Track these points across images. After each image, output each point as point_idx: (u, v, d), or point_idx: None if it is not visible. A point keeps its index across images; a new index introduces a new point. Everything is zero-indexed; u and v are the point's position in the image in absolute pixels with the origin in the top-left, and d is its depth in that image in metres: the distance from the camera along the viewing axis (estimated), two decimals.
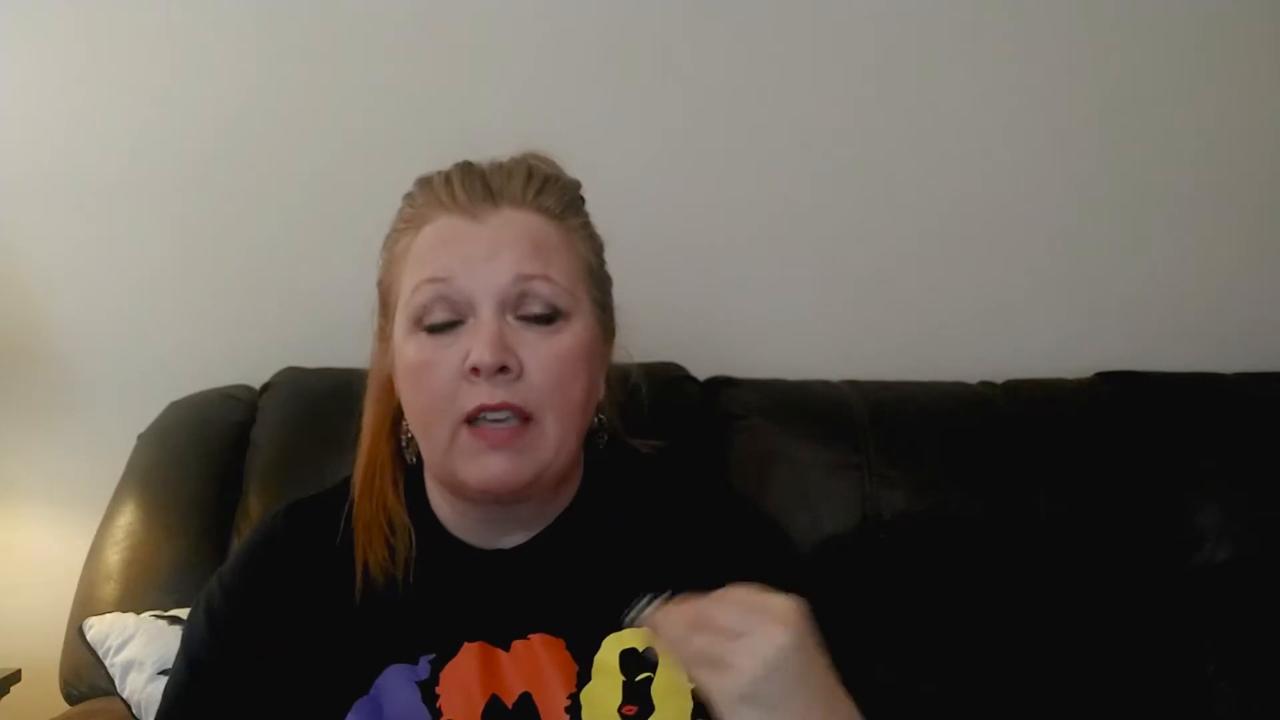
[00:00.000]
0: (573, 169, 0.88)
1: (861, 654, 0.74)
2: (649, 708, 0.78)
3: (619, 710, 0.78)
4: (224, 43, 1.68)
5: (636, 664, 0.79)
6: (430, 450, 0.81)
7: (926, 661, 1.38)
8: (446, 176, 0.83)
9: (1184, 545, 1.44)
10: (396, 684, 0.79)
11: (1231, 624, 1.42)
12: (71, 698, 1.35)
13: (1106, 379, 1.58)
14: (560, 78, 1.69)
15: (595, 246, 0.86)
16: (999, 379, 1.57)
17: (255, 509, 1.40)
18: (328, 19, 1.68)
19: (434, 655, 0.80)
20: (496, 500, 0.80)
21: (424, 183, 0.85)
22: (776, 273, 1.72)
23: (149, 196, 1.68)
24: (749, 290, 1.71)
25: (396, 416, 0.87)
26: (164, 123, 1.68)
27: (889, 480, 1.42)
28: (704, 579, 0.81)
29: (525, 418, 0.77)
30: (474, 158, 0.86)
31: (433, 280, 0.78)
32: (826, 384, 1.54)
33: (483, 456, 0.77)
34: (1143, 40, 1.74)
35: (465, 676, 0.79)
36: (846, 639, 0.80)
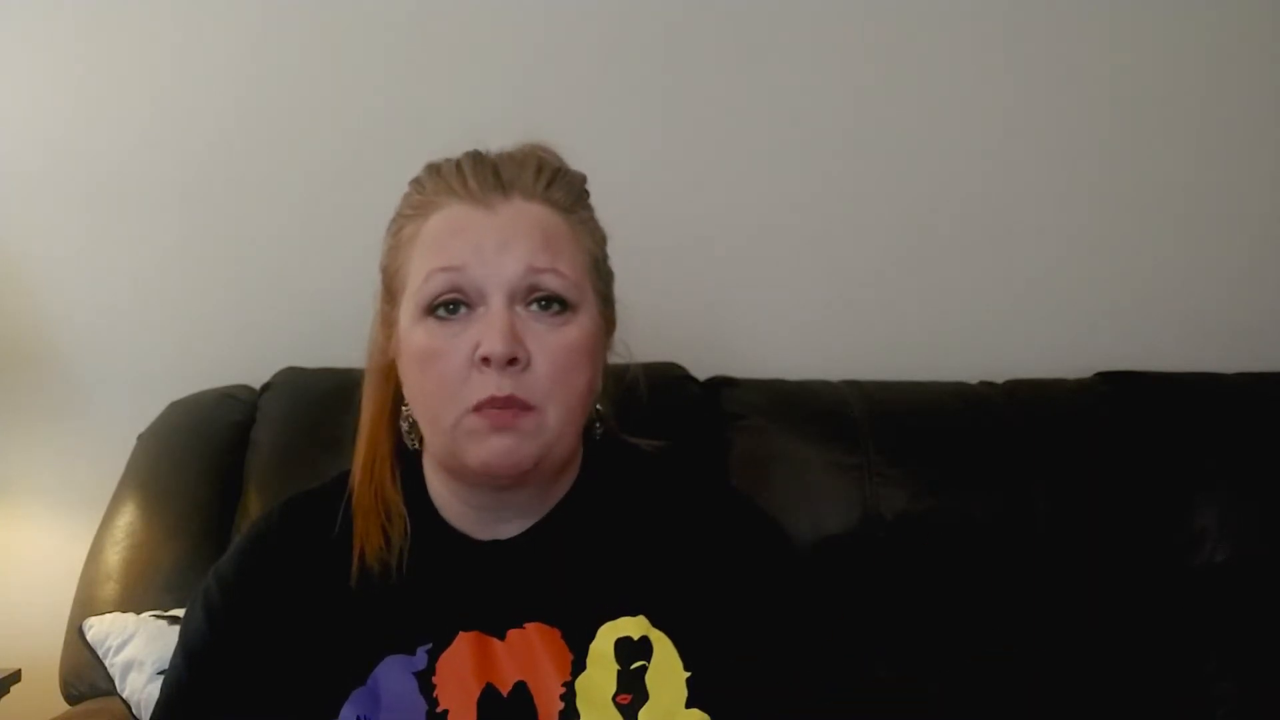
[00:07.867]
0: (573, 168, 0.88)
1: (862, 653, 0.74)
2: (643, 696, 0.78)
3: (614, 699, 0.78)
4: (224, 43, 1.68)
5: (631, 652, 0.80)
6: (434, 434, 0.81)
7: (927, 661, 1.38)
8: (458, 164, 0.84)
9: (1184, 545, 1.44)
10: (394, 675, 0.79)
11: (1231, 624, 1.42)
12: (71, 698, 1.35)
13: (1106, 379, 1.58)
14: (559, 79, 1.69)
15: (599, 240, 0.87)
16: (999, 379, 1.57)
17: (255, 509, 1.40)
18: (328, 19, 1.68)
19: (431, 645, 0.80)
20: (496, 482, 0.81)
21: (433, 169, 0.85)
22: (776, 273, 1.72)
23: (149, 196, 1.68)
24: (749, 290, 1.71)
25: (395, 403, 0.88)
26: (164, 122, 1.68)
27: (889, 480, 1.42)
28: (699, 571, 0.83)
29: (528, 408, 0.78)
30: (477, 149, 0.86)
31: (445, 269, 0.79)
32: (826, 384, 1.54)
33: (487, 437, 0.77)
34: (1143, 40, 1.74)
35: (460, 665, 0.79)
36: (846, 638, 0.81)
